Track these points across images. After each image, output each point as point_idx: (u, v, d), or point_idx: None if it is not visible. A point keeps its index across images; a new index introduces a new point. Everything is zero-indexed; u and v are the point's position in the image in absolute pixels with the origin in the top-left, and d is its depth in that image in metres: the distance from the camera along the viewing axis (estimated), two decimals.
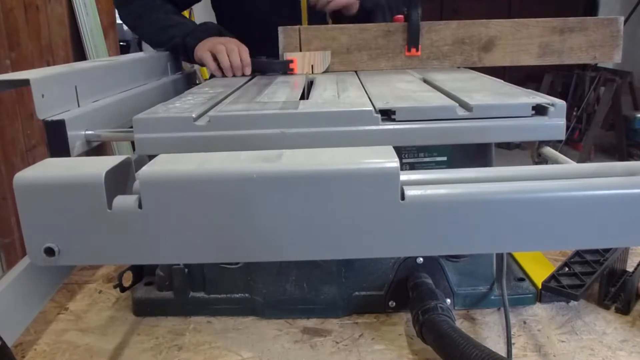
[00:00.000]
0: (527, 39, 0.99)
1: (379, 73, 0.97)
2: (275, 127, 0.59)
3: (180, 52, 1.07)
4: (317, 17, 1.15)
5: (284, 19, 1.07)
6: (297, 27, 1.02)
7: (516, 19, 1.00)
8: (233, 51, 0.96)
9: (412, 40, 1.00)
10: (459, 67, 1.02)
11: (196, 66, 1.32)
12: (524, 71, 3.96)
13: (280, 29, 1.02)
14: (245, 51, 0.98)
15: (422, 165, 0.69)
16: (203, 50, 0.99)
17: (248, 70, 0.97)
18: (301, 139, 0.59)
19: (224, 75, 0.98)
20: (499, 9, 4.57)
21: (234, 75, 0.97)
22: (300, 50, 1.02)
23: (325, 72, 1.01)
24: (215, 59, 0.97)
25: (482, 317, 0.70)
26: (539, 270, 0.75)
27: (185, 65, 1.24)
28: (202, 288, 0.72)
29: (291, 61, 0.98)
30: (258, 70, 0.99)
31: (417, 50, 1.01)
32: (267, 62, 0.99)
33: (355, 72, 1.01)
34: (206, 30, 1.05)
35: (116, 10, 1.20)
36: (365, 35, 1.02)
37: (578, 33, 0.99)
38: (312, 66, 1.00)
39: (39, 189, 0.41)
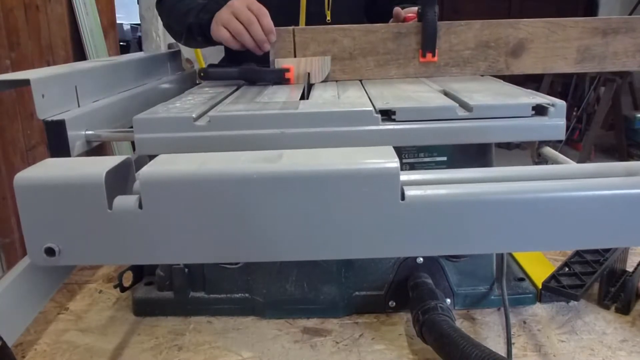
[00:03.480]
0: (563, 42, 0.86)
1: (388, 82, 0.84)
2: (275, 127, 0.59)
3: (195, 34, 0.95)
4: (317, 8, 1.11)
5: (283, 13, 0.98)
6: (291, 28, 0.87)
7: (551, 19, 0.86)
8: (252, 24, 0.83)
9: (428, 43, 0.86)
10: (482, 75, 0.88)
11: (196, 66, 1.31)
12: None
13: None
14: (264, 16, 0.84)
15: (422, 165, 0.69)
16: (216, 27, 0.86)
17: (273, 38, 0.85)
18: (301, 139, 0.59)
19: (247, 51, 0.87)
20: (499, 9, 4.57)
21: (262, 54, 0.86)
22: (295, 56, 0.87)
23: (324, 81, 0.87)
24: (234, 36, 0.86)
25: (482, 317, 0.70)
26: (539, 270, 0.75)
27: (186, 65, 1.23)
28: (202, 288, 0.72)
29: (287, 70, 0.85)
30: (246, 79, 0.86)
31: (434, 55, 0.86)
32: (257, 70, 0.85)
33: (360, 81, 0.87)
34: (218, 1, 0.91)
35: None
36: (372, 37, 0.87)
37: (624, 35, 0.85)
38: (308, 74, 0.86)
39: (39, 189, 0.42)
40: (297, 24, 1.12)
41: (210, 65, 0.96)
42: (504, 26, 0.86)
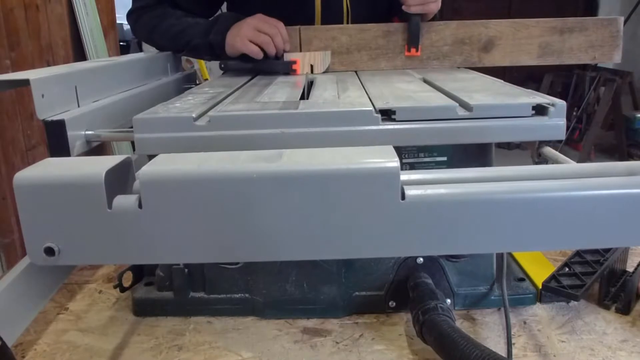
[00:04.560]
0: (526, 39, 0.99)
1: (379, 73, 0.97)
2: (275, 127, 0.59)
3: (203, 53, 1.05)
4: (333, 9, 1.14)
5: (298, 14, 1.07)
6: (297, 27, 1.01)
7: (516, 19, 0.99)
8: (276, 36, 0.96)
9: (412, 40, 1.00)
10: (458, 67, 1.01)
11: (196, 66, 1.32)
12: (524, 71, 3.97)
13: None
14: (282, 28, 0.98)
15: (422, 165, 0.69)
16: (242, 42, 0.97)
17: (288, 47, 0.99)
18: (301, 139, 0.59)
19: (266, 57, 0.99)
20: (499, 9, 4.57)
21: (276, 57, 0.99)
22: (301, 51, 1.01)
23: (326, 72, 1.01)
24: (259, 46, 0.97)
25: (482, 317, 0.70)
26: (539, 270, 0.75)
27: (185, 65, 1.24)
28: (202, 288, 0.72)
29: (294, 62, 0.98)
30: (260, 70, 0.99)
31: (417, 50, 1.01)
32: (270, 62, 0.98)
33: (355, 72, 1.00)
34: (226, 22, 1.02)
35: (130, 30, 1.19)
36: (365, 35, 1.02)
37: (578, 33, 0.99)
38: (311, 66, 1.00)
39: (39, 189, 0.41)
40: (312, 10, 1.14)
41: (229, 59, 1.04)
42: (476, 25, 1.00)
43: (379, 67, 1.03)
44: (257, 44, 0.96)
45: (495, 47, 1.00)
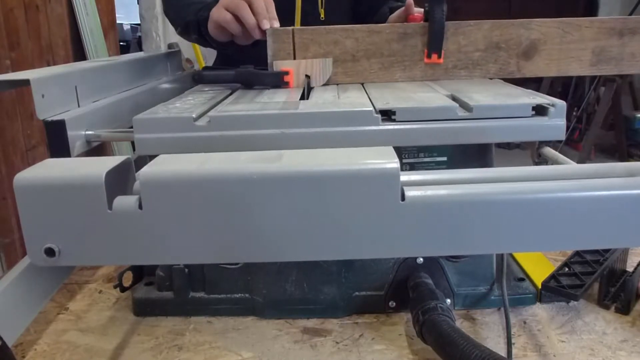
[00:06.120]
0: (577, 44, 0.81)
1: (389, 84, 0.82)
2: (276, 128, 0.59)
3: (191, 31, 0.97)
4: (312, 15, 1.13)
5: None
6: (291, 28, 0.82)
7: (564, 19, 0.82)
8: (254, 1, 0.82)
9: (434, 43, 0.80)
10: (491, 79, 0.83)
11: (196, 66, 1.31)
12: None
13: (268, 31, 0.81)
14: (270, 3, 0.84)
15: (422, 165, 0.69)
16: (217, 9, 0.85)
17: (276, 24, 0.82)
18: (301, 139, 0.59)
19: (242, 51, 0.84)
20: (500, 9, 4.57)
21: (262, 36, 0.82)
22: (295, 58, 0.82)
23: (326, 84, 0.83)
24: (238, 20, 0.83)
25: (482, 317, 0.70)
26: (539, 270, 0.75)
27: (185, 65, 1.23)
28: (202, 288, 0.72)
29: (286, 73, 0.80)
30: (243, 82, 0.81)
31: (439, 56, 0.81)
32: (255, 73, 0.80)
33: (362, 84, 0.83)
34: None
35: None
36: (376, 38, 0.82)
37: None
38: (308, 77, 0.82)
39: (39, 190, 0.42)
40: (292, 23, 1.12)
41: (206, 68, 0.94)
42: (515, 26, 0.81)
43: (392, 78, 0.83)
44: (232, 13, 0.84)
45: (538, 52, 0.82)
